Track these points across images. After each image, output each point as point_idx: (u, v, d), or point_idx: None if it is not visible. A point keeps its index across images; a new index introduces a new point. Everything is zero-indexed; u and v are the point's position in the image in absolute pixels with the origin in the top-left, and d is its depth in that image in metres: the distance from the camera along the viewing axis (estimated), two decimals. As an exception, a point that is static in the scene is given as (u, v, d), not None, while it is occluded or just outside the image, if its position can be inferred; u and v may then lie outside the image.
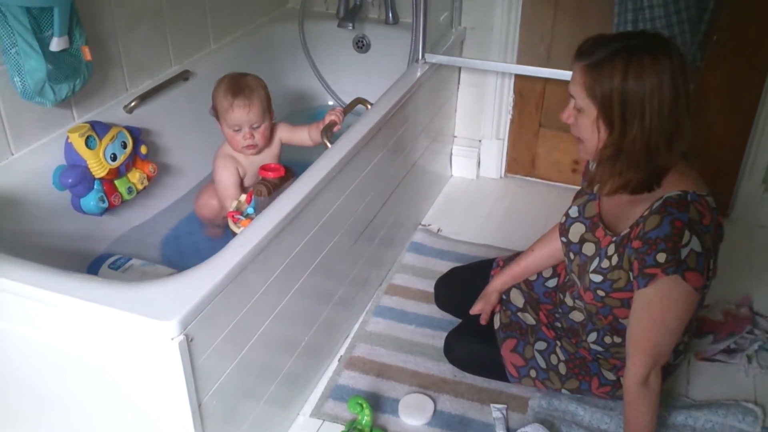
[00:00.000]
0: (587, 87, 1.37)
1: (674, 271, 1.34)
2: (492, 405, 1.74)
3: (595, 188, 1.52)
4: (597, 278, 1.50)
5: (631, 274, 1.43)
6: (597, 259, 1.51)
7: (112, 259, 1.88)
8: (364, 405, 1.63)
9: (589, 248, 1.56)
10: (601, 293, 1.51)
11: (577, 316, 1.66)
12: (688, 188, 1.39)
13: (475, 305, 1.83)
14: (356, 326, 2.01)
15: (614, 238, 1.48)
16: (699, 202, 1.38)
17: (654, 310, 1.39)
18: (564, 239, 1.63)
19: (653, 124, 1.33)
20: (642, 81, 1.31)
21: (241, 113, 1.93)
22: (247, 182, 2.07)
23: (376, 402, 1.77)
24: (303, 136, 2.09)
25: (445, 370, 1.85)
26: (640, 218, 1.41)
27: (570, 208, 1.65)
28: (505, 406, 1.74)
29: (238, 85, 1.93)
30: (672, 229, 1.34)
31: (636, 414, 1.48)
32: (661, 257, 1.34)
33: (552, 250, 1.78)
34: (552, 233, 1.78)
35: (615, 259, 1.46)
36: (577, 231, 1.60)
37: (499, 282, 1.83)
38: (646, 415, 1.47)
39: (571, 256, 1.61)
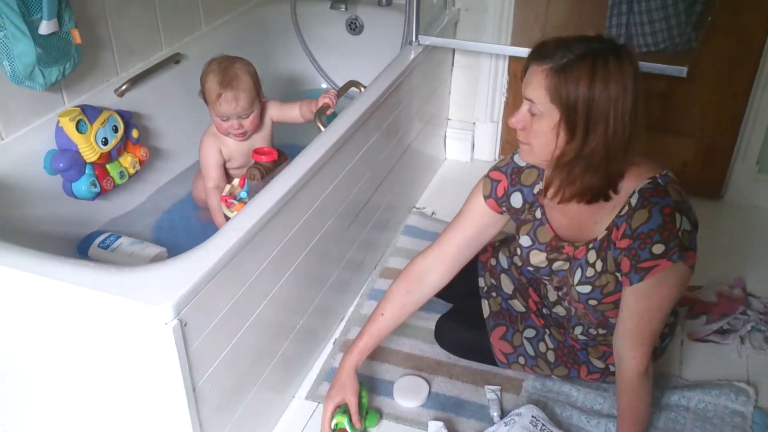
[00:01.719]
0: (551, 91, 1.29)
1: (679, 257, 1.33)
2: (486, 386, 1.75)
3: (549, 194, 1.42)
4: (585, 289, 1.48)
5: (618, 274, 1.42)
6: (579, 270, 1.48)
7: (101, 238, 1.87)
8: (360, 387, 1.63)
9: (560, 264, 1.54)
10: (593, 302, 1.49)
11: (561, 311, 1.66)
12: (651, 174, 1.38)
13: (334, 394, 1.59)
14: (351, 309, 2.02)
15: (591, 245, 1.46)
16: (669, 181, 1.37)
17: (652, 300, 1.38)
18: (530, 268, 1.60)
19: (616, 131, 1.29)
20: (607, 87, 1.26)
21: (229, 107, 1.89)
22: (234, 164, 2.05)
23: (371, 384, 1.77)
24: (294, 113, 2.06)
25: (440, 352, 1.85)
26: (618, 218, 1.39)
27: (520, 238, 1.59)
28: (500, 387, 1.75)
29: (226, 75, 1.88)
30: (663, 217, 1.33)
31: (637, 403, 1.47)
32: (659, 248, 1.33)
33: (400, 306, 1.64)
34: (391, 293, 1.66)
35: (599, 265, 1.44)
36: (538, 257, 1.57)
37: (352, 363, 1.62)
38: (644, 399, 1.47)
39: (546, 279, 1.60)
